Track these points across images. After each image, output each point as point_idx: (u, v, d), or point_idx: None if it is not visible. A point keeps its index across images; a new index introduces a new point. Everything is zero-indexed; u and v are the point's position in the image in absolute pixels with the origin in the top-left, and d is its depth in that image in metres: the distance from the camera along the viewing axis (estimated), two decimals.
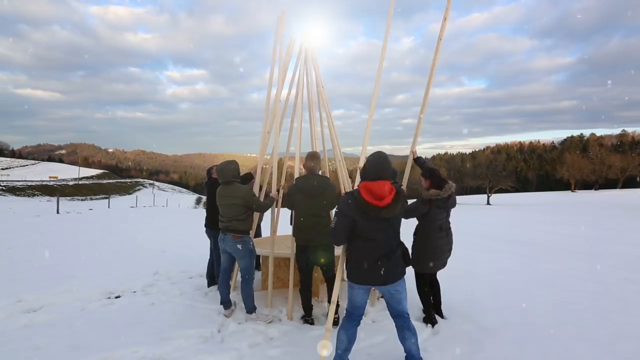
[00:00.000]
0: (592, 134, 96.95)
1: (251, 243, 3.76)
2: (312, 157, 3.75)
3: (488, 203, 37.42)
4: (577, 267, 6.19)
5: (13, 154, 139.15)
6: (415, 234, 3.62)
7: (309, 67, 4.63)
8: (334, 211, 4.84)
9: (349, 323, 2.59)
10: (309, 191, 3.59)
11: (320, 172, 3.83)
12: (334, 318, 3.63)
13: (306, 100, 4.69)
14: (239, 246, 3.63)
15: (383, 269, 2.40)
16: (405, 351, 2.68)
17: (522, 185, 68.64)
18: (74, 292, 4.48)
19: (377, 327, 3.56)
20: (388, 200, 2.32)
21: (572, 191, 57.96)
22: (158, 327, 3.45)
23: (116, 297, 4.41)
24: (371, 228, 2.39)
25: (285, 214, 4.63)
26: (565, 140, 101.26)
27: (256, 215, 4.47)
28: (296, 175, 4.36)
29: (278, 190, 4.31)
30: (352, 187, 4.28)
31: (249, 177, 4.68)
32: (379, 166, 2.39)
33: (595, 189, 58.11)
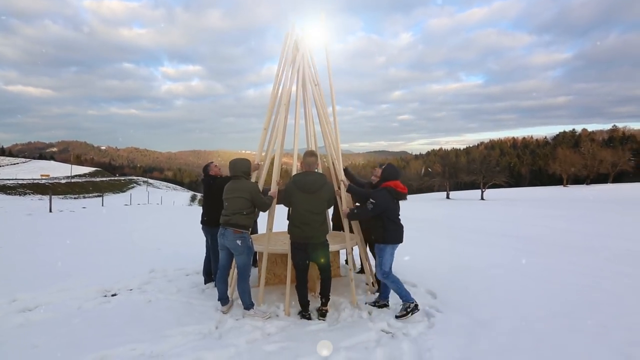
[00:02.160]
0: (584, 130, 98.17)
1: (250, 240, 3.77)
2: (311, 154, 3.84)
3: (482, 198, 37.80)
4: (570, 260, 6.31)
5: (3, 152, 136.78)
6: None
7: (305, 65, 4.63)
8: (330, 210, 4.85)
9: (392, 274, 3.85)
10: (306, 187, 3.61)
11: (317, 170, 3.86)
12: (323, 310, 3.69)
13: (301, 98, 4.69)
14: (239, 242, 3.65)
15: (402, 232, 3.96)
16: (379, 291, 4.09)
17: (516, 180, 69.35)
18: (70, 290, 4.46)
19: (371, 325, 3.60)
20: (406, 189, 3.97)
21: (564, 186, 58.72)
22: (155, 325, 3.45)
23: (113, 295, 4.39)
24: (397, 208, 3.93)
25: (281, 210, 4.64)
26: (557, 135, 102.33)
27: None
28: (294, 171, 4.38)
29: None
30: (344, 184, 4.36)
31: None
32: (396, 172, 4.01)
33: (587, 184, 58.93)
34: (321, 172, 4.87)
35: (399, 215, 3.97)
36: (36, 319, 3.60)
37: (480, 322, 3.47)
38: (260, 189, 4.57)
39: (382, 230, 3.82)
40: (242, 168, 3.80)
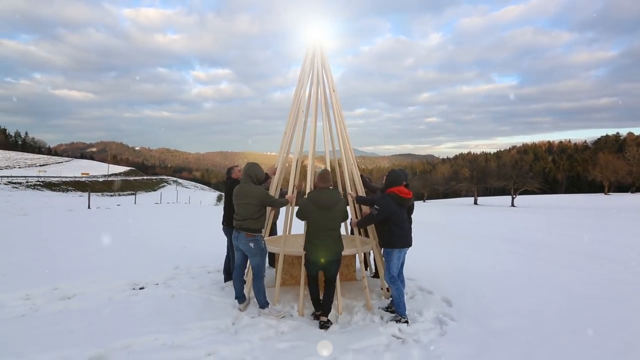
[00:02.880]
0: (630, 133, 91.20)
1: (263, 242, 3.93)
2: (327, 173, 3.92)
3: (513, 205, 36.14)
4: (600, 273, 5.97)
5: (49, 152, 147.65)
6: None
7: (321, 73, 4.76)
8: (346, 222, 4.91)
9: (399, 282, 3.89)
10: (323, 203, 3.70)
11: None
12: (322, 322, 3.66)
13: (320, 103, 4.83)
14: (252, 245, 3.81)
15: (410, 236, 4.05)
16: (392, 295, 3.91)
17: (551, 186, 65.65)
18: (103, 282, 4.83)
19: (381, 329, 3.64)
20: (410, 194, 4.01)
21: (606, 194, 54.83)
22: (177, 318, 3.68)
23: (140, 289, 4.71)
24: (403, 213, 3.98)
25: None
26: (599, 139, 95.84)
27: (271, 214, 4.65)
28: (309, 174, 4.51)
29: (294, 190, 4.47)
30: (351, 196, 4.41)
31: (265, 177, 4.85)
32: (398, 178, 4.04)
33: (632, 192, 54.67)
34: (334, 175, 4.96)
35: (407, 219, 4.04)
36: (73, 307, 3.96)
37: (494, 333, 3.41)
38: (278, 190, 4.73)
39: (389, 235, 3.91)
40: (249, 172, 3.90)
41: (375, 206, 3.93)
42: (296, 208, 4.67)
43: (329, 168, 4.50)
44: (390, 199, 3.91)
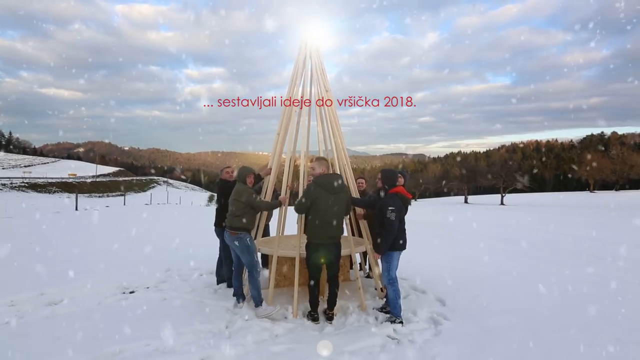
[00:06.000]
0: (614, 133, 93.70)
1: (248, 239, 3.92)
2: (325, 159, 3.99)
3: (502, 203, 36.72)
4: (590, 271, 6.08)
5: (35, 152, 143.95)
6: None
7: (315, 72, 4.72)
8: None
9: (397, 284, 3.85)
10: (330, 188, 3.67)
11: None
12: (329, 314, 3.75)
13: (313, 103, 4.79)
14: (236, 242, 3.88)
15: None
16: (387, 296, 3.96)
17: (539, 185, 66.95)
18: (92, 286, 4.71)
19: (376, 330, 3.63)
20: (410, 195, 4.04)
21: (591, 192, 56.18)
22: (169, 322, 3.59)
23: (131, 292, 4.61)
24: (403, 214, 3.89)
25: (292, 214, 4.73)
26: (584, 139, 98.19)
27: (264, 214, 4.60)
28: (301, 174, 4.48)
29: (287, 190, 4.43)
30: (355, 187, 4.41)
31: (257, 178, 4.80)
32: (396, 177, 3.90)
33: (616, 190, 56.12)
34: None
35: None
36: (60, 313, 3.84)
37: (488, 332, 3.43)
38: (270, 191, 4.69)
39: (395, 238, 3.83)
40: (240, 174, 4.08)
41: (389, 207, 3.68)
42: (289, 209, 4.64)
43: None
44: (398, 199, 3.82)
